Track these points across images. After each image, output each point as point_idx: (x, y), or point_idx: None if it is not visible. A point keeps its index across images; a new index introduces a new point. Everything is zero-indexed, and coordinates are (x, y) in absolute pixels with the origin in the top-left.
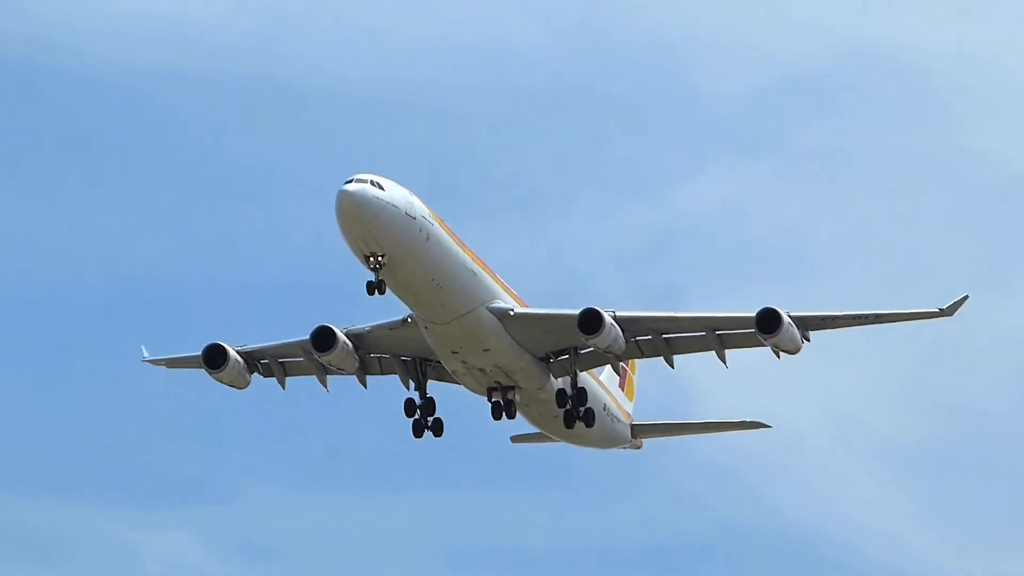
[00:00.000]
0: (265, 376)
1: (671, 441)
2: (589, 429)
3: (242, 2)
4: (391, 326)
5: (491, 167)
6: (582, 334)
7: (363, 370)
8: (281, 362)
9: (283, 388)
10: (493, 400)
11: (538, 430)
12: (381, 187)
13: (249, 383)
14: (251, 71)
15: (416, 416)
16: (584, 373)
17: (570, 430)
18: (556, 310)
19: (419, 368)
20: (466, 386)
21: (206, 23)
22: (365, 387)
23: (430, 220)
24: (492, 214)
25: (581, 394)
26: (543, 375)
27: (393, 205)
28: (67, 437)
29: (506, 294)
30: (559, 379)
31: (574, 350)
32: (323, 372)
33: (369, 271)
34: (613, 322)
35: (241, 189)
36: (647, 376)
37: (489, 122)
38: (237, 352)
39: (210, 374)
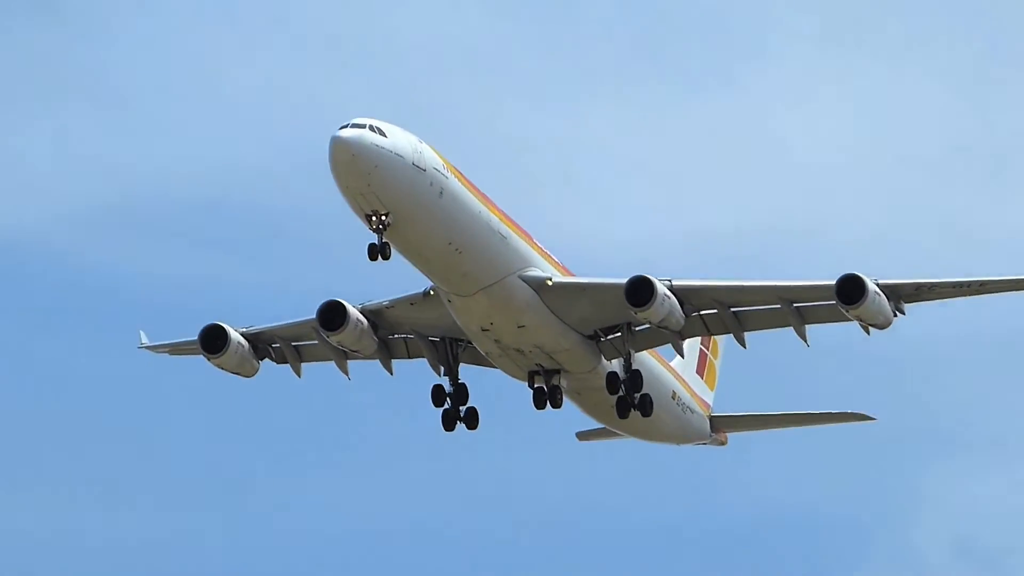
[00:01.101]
0: (278, 362)
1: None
2: (648, 419)
3: None
4: (412, 300)
5: None
6: (630, 306)
7: (387, 353)
8: (295, 346)
9: (298, 375)
10: (535, 386)
11: (603, 425)
12: (383, 133)
13: (257, 370)
14: None
15: (446, 406)
16: (647, 355)
17: (636, 422)
18: (601, 279)
19: (449, 350)
20: (504, 370)
21: None
22: (391, 373)
23: (444, 172)
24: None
25: (635, 378)
26: (592, 356)
27: (396, 154)
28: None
29: (544, 261)
30: (613, 361)
31: (627, 327)
32: (342, 356)
33: (371, 232)
34: (668, 292)
35: None
36: (735, 360)
37: None
38: (241, 334)
39: (209, 360)
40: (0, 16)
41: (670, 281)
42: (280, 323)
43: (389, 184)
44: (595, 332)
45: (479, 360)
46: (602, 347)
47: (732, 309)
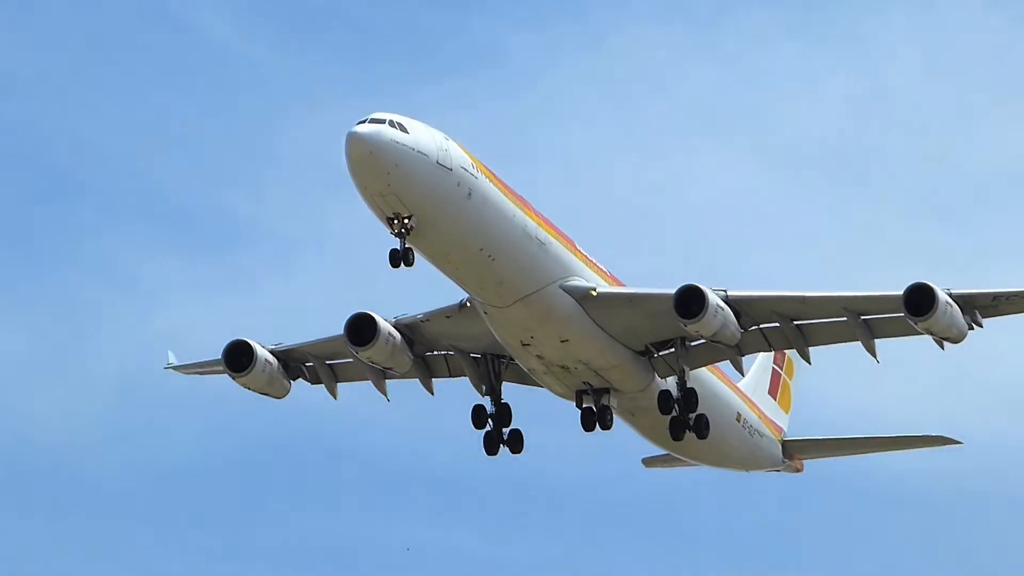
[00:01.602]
0: (312, 382)
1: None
2: (709, 443)
3: None
4: (448, 313)
5: None
6: (680, 318)
7: (425, 371)
8: (329, 364)
9: (335, 397)
10: (584, 406)
11: (665, 451)
12: (404, 128)
13: (288, 390)
14: None
15: (487, 428)
16: (707, 373)
17: (697, 446)
18: (649, 289)
19: (491, 367)
20: (550, 389)
21: None
22: (431, 392)
23: (473, 172)
24: None
25: (689, 396)
26: (644, 374)
27: (419, 151)
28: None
29: (588, 270)
30: (668, 379)
31: (680, 341)
32: (378, 375)
33: (393, 236)
34: (722, 304)
35: None
36: (812, 379)
37: None
38: (270, 352)
39: (234, 379)
40: None
41: (725, 292)
42: (311, 339)
43: (411, 184)
44: (646, 347)
45: (524, 379)
46: (655, 364)
47: (795, 322)
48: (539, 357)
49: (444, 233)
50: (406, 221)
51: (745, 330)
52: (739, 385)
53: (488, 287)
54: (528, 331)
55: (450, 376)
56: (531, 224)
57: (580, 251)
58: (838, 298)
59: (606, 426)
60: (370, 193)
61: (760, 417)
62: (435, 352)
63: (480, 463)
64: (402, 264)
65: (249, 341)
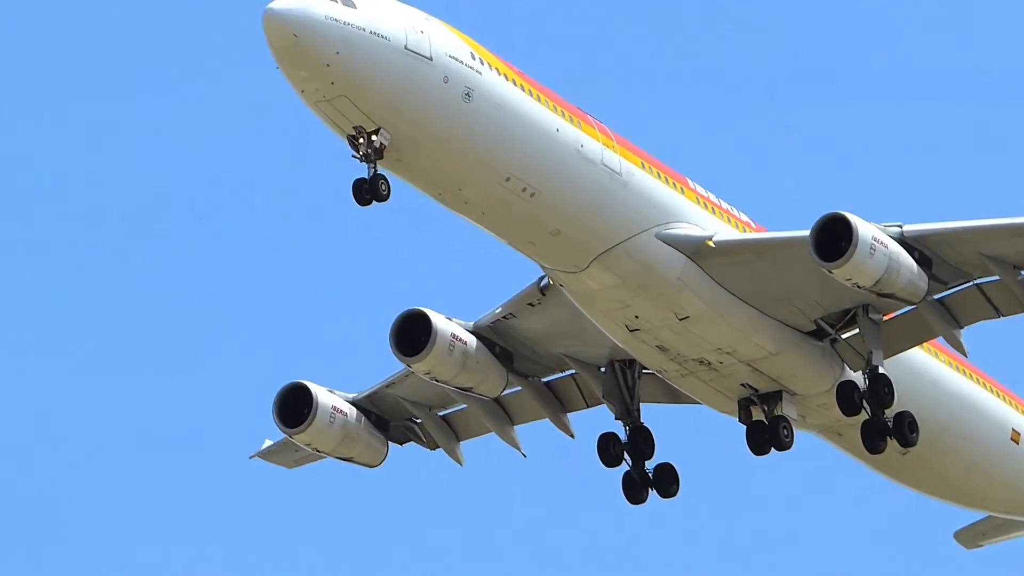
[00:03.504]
0: (429, 447)
1: None
2: (913, 453)
3: None
4: (530, 299)
5: None
6: (821, 262)
7: (550, 400)
8: (442, 416)
9: (458, 462)
10: (751, 420)
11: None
12: (350, 2)
13: (382, 455)
14: None
15: (620, 463)
16: (938, 365)
17: (944, 474)
18: (782, 232)
19: (622, 379)
20: (702, 401)
21: None
22: (569, 434)
23: (473, 64)
24: None
25: (878, 384)
26: (825, 365)
27: (373, 33)
28: None
29: (707, 213)
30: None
31: (863, 311)
32: (500, 421)
33: (358, 161)
34: (885, 240)
35: None
36: None
37: None
38: (343, 399)
39: (291, 437)
40: None
41: (900, 226)
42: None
43: (367, 80)
44: (818, 325)
45: (668, 394)
46: (841, 351)
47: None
48: (661, 349)
49: (436, 155)
50: (372, 138)
51: (947, 285)
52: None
53: (542, 242)
54: (626, 306)
55: (587, 405)
56: (590, 142)
57: (694, 189)
58: None
59: (782, 445)
60: (309, 96)
61: None
62: (557, 372)
63: (620, 515)
64: (372, 199)
65: (307, 383)
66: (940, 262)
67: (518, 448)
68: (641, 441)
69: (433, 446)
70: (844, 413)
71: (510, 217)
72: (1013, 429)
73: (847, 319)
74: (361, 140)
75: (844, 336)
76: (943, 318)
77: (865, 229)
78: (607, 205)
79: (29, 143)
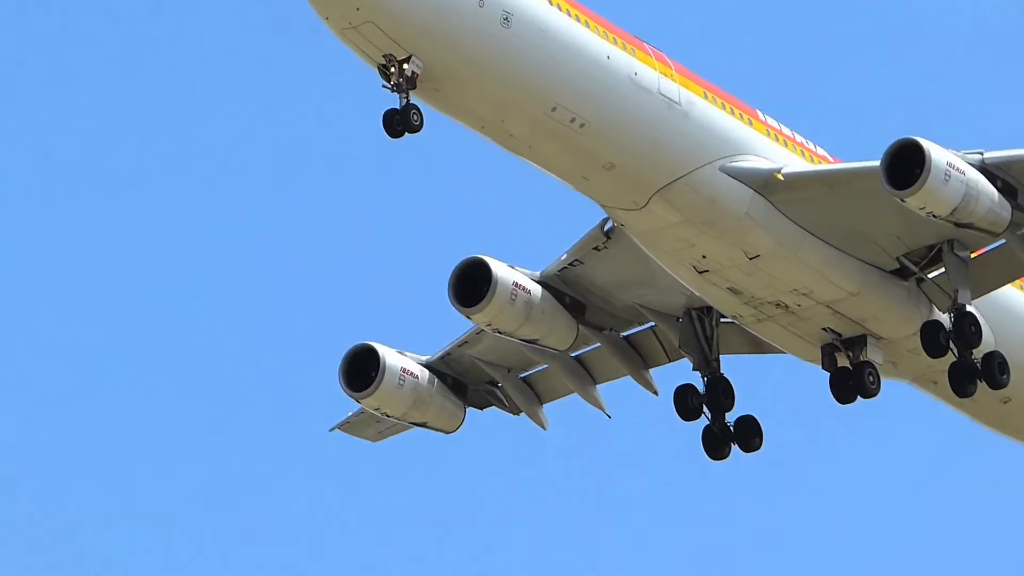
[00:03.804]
0: (512, 411)
1: None
2: (1016, 400)
3: None
4: (595, 243)
5: None
6: (892, 191)
7: (630, 353)
8: (523, 378)
9: (542, 426)
10: (836, 367)
11: None
12: None
13: (459, 419)
14: None
15: (699, 416)
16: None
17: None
18: (858, 164)
19: (700, 328)
20: (784, 349)
21: None
22: (653, 391)
23: None
24: None
25: (964, 323)
26: (911, 306)
27: None
28: None
29: (776, 145)
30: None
31: (949, 246)
32: (582, 380)
33: (390, 92)
34: (961, 166)
35: None
36: None
37: None
38: (416, 361)
39: (359, 402)
40: None
41: (981, 153)
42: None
43: (394, 4)
44: (902, 264)
45: (749, 344)
46: (928, 291)
47: None
48: (734, 292)
49: (474, 84)
50: (404, 66)
51: None
52: None
53: (596, 176)
54: (691, 246)
55: (669, 359)
56: (645, 70)
57: (764, 120)
58: None
59: (868, 392)
60: (335, 24)
61: None
62: (633, 325)
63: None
64: (404, 131)
65: (375, 344)
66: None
67: (602, 408)
68: (720, 392)
69: (516, 410)
70: (929, 354)
71: (559, 150)
72: None
73: (933, 256)
74: (392, 69)
75: (931, 275)
76: None
77: (939, 154)
78: (665, 136)
79: None
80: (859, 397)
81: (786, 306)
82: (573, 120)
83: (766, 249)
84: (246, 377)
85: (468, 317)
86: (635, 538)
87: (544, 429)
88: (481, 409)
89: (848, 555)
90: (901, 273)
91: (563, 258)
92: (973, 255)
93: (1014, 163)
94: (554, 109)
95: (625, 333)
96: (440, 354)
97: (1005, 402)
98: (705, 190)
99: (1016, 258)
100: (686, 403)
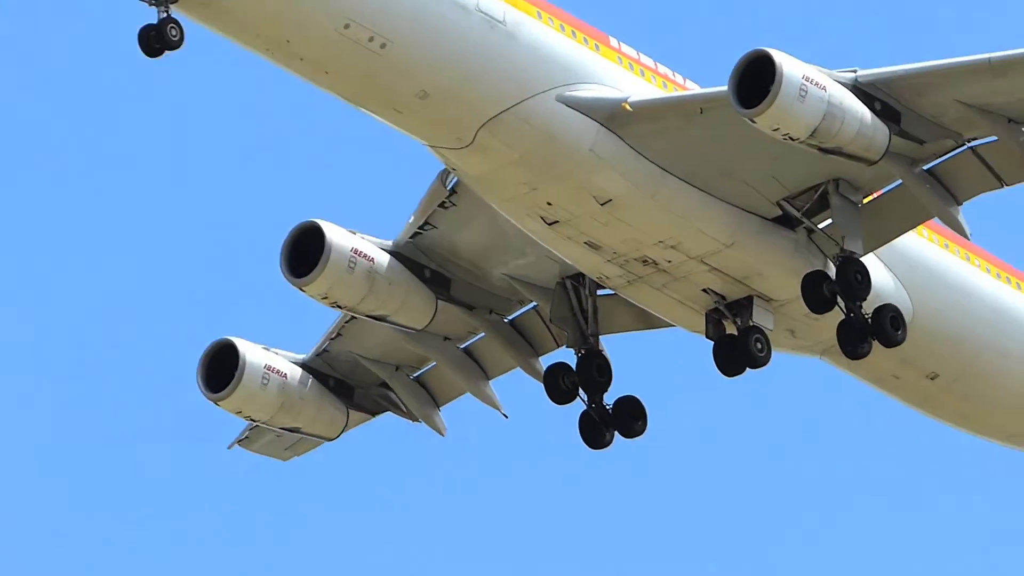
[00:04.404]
0: (410, 418)
1: None
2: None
3: None
4: (437, 197)
5: None
6: (741, 111)
7: (506, 341)
8: (415, 378)
9: (440, 432)
10: (717, 334)
11: None
12: None
13: (340, 425)
14: None
15: (574, 399)
16: (963, 266)
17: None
18: (713, 89)
19: (575, 298)
20: (667, 317)
21: None
22: (540, 378)
23: None
24: None
25: (848, 270)
26: (799, 257)
27: None
28: None
29: (628, 75)
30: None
31: (834, 186)
32: (472, 375)
33: (148, 4)
34: (824, 81)
35: None
36: None
37: None
38: (285, 358)
39: (216, 404)
40: None
41: (855, 71)
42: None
43: None
44: (783, 209)
45: (641, 318)
46: (819, 241)
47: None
48: (592, 247)
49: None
50: None
51: (925, 145)
52: None
53: (410, 108)
54: (532, 190)
55: (558, 345)
56: None
57: (617, 48)
58: None
59: (756, 360)
60: None
61: None
62: (495, 296)
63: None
64: (162, 48)
65: (235, 340)
66: (911, 115)
67: (497, 407)
68: (594, 369)
69: (412, 416)
70: (811, 309)
71: (360, 76)
72: None
73: (821, 202)
74: None
75: (821, 225)
76: (936, 192)
77: (793, 67)
78: (487, 60)
79: None
80: (747, 368)
81: (655, 263)
82: (372, 39)
83: (619, 193)
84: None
85: (301, 289)
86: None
87: (442, 435)
88: (373, 415)
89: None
90: (787, 222)
91: (411, 221)
92: (868, 200)
93: (893, 80)
94: (347, 26)
95: (510, 317)
96: (315, 351)
97: (932, 378)
98: (540, 123)
99: (915, 200)
100: (558, 384)
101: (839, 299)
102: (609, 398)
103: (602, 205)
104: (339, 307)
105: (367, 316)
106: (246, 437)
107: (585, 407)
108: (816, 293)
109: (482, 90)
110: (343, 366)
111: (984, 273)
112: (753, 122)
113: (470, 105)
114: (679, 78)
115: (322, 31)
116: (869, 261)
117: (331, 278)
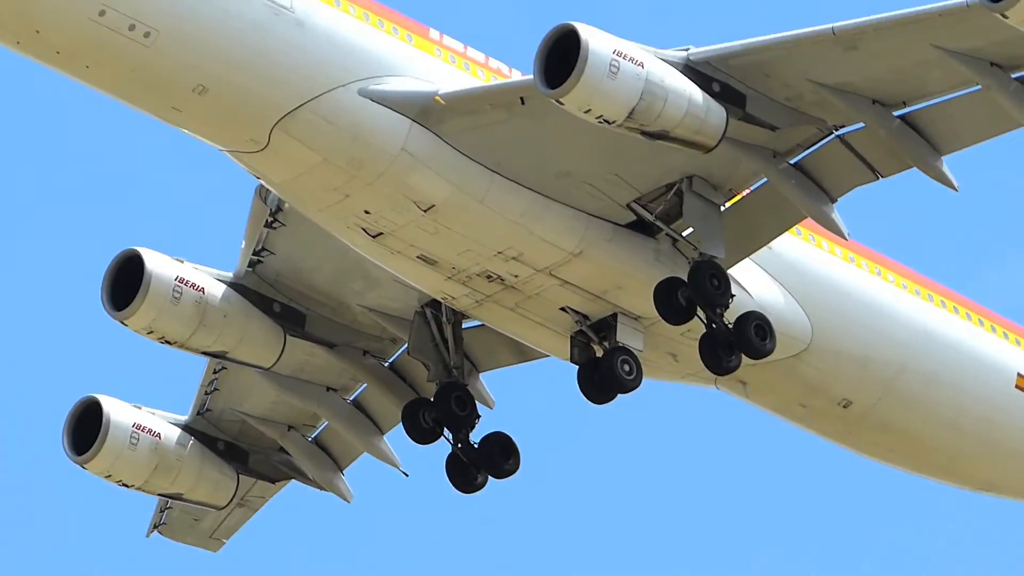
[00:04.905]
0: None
1: None
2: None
3: None
4: (260, 215)
5: None
6: (547, 91)
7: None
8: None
9: (345, 499)
10: (584, 359)
11: None
12: None
13: (229, 492)
14: None
15: (439, 437)
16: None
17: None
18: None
19: (437, 330)
20: (531, 342)
21: None
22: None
23: None
24: None
25: (702, 273)
26: (667, 269)
27: None
28: None
29: (448, 68)
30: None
31: (688, 184)
32: (365, 431)
33: None
34: (641, 57)
35: None
36: None
37: None
38: (163, 419)
39: (79, 464)
40: None
41: (687, 49)
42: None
43: None
44: (636, 212)
45: (514, 350)
46: (684, 250)
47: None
48: (427, 262)
49: None
50: None
51: (774, 130)
52: None
53: (190, 106)
54: (345, 196)
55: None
56: None
57: (437, 40)
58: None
59: (624, 383)
60: None
61: None
62: (361, 333)
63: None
64: None
65: (100, 397)
66: (758, 97)
67: (395, 464)
68: (452, 402)
69: (316, 484)
70: (667, 319)
71: (127, 71)
72: (1019, 373)
73: (676, 201)
74: None
75: (686, 232)
76: (805, 189)
77: (602, 42)
78: (272, 50)
79: None
80: (617, 393)
81: (500, 279)
82: (133, 27)
83: (441, 196)
84: None
85: (123, 323)
86: None
87: (348, 502)
88: (274, 482)
89: None
90: (644, 227)
91: (243, 246)
92: (733, 202)
93: (727, 57)
94: (103, 13)
95: (391, 360)
96: (195, 409)
97: (845, 405)
98: (342, 119)
99: (783, 199)
100: (418, 421)
101: (698, 309)
102: (476, 436)
103: (425, 211)
104: (168, 343)
105: (205, 354)
106: (165, 524)
107: (451, 447)
108: (669, 300)
109: (269, 84)
110: (230, 427)
111: (900, 290)
112: (561, 103)
113: (258, 101)
114: (516, 74)
115: (75, 19)
116: (753, 273)
117: (153, 309)
